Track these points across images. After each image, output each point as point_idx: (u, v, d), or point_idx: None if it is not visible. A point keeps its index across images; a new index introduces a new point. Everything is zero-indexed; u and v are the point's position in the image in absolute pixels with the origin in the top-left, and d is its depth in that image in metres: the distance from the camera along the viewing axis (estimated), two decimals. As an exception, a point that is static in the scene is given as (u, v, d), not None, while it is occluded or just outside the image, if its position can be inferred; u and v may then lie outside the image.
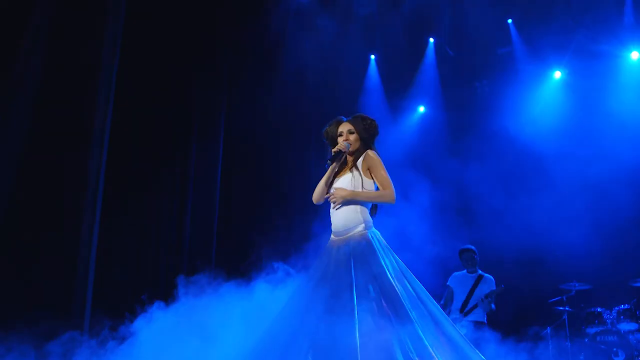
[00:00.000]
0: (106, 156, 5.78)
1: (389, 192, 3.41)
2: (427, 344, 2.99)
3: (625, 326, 6.22)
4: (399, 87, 8.89)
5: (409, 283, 3.30)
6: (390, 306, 3.12)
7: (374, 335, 3.00)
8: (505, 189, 7.83)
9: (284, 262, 4.02)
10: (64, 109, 5.50)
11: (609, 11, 7.79)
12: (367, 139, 3.57)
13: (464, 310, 6.01)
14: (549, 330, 6.61)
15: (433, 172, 8.31)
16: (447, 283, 6.40)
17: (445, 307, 6.24)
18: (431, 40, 8.64)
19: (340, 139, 3.54)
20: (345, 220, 3.41)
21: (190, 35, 7.23)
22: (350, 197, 3.40)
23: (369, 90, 8.82)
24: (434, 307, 3.27)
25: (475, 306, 5.96)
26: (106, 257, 6.05)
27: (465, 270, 6.37)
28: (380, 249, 3.34)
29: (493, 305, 6.01)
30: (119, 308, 4.34)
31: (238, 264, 7.07)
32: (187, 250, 6.95)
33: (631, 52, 7.99)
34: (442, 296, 6.38)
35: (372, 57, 8.87)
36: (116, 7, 6.02)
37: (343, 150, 3.47)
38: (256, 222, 7.51)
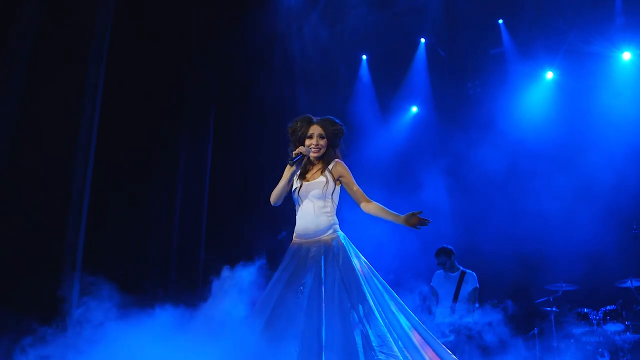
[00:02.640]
0: (94, 156, 5.81)
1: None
2: (391, 340, 3.04)
3: (611, 327, 6.19)
4: (391, 87, 8.90)
5: (377, 282, 3.37)
6: (358, 304, 3.16)
7: (340, 332, 3.05)
8: (496, 189, 7.85)
9: (274, 260, 4.05)
10: (52, 107, 5.53)
11: (600, 12, 7.78)
12: (335, 143, 3.61)
13: (452, 317, 6.01)
14: (536, 330, 6.63)
15: (425, 171, 8.34)
16: (431, 284, 6.41)
17: (431, 309, 6.24)
18: (422, 40, 8.64)
19: (308, 142, 3.53)
20: (317, 223, 3.44)
21: (182, 33, 7.27)
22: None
23: (360, 91, 8.84)
24: (401, 306, 3.32)
25: (463, 315, 5.97)
26: (94, 256, 6.10)
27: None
28: (350, 250, 3.40)
29: (477, 304, 6.02)
30: (107, 306, 4.36)
31: (227, 263, 7.16)
32: (175, 248, 7.00)
33: (623, 52, 7.98)
34: (427, 296, 6.39)
35: (364, 57, 8.89)
36: (105, 6, 6.06)
37: (304, 154, 3.47)
38: (246, 220, 7.55)
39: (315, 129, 3.56)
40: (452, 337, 5.86)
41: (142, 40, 6.73)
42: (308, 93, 8.19)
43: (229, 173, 7.86)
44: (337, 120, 3.63)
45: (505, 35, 8.27)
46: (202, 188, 7.46)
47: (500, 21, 8.28)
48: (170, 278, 7.02)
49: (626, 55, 7.98)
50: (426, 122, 8.92)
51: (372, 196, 8.22)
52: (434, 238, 7.37)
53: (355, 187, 3.58)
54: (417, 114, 9.14)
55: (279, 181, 3.58)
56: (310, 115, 3.63)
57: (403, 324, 3.21)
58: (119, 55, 6.27)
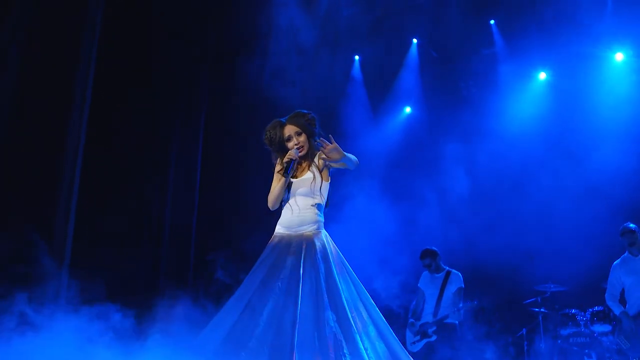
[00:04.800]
0: (82, 159, 5.81)
1: (356, 159, 3.49)
2: (359, 343, 3.04)
3: (598, 328, 6.19)
4: (384, 88, 8.90)
5: (352, 283, 3.36)
6: (332, 305, 3.15)
7: (312, 332, 3.04)
8: (486, 190, 7.84)
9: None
10: (41, 104, 5.53)
11: (592, 12, 7.76)
12: (312, 133, 3.53)
13: (437, 318, 6.01)
14: (524, 331, 6.63)
15: (416, 172, 8.34)
16: (419, 285, 6.41)
17: (417, 309, 6.24)
18: (414, 40, 8.64)
19: (289, 144, 3.48)
20: (302, 218, 3.41)
21: (172, 31, 7.29)
22: (341, 155, 3.32)
23: (353, 91, 8.85)
24: (372, 307, 3.32)
25: (446, 316, 5.97)
26: (83, 253, 6.13)
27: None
28: (330, 249, 3.38)
29: (462, 312, 6.00)
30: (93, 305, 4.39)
31: (216, 261, 7.19)
32: (166, 243, 7.04)
33: (615, 53, 7.97)
34: (415, 297, 6.39)
35: (357, 57, 8.90)
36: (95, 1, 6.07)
37: (294, 159, 3.41)
38: (236, 218, 7.58)
39: (290, 129, 3.50)
40: (434, 338, 5.87)
41: (133, 38, 6.74)
42: (300, 93, 8.19)
43: (219, 171, 7.89)
44: (304, 111, 3.57)
45: (497, 36, 8.26)
46: (192, 185, 7.50)
47: (492, 21, 8.27)
48: (160, 276, 7.05)
49: (619, 56, 7.97)
50: (420, 123, 8.91)
51: (364, 195, 8.23)
52: (424, 238, 7.39)
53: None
54: (410, 115, 9.13)
55: (271, 183, 3.53)
56: (278, 119, 3.57)
57: (371, 327, 3.20)
58: (109, 53, 6.28)
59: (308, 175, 3.48)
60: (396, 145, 8.81)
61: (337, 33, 8.27)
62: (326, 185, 3.51)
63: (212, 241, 7.41)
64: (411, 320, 6.21)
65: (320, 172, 3.48)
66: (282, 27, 8.01)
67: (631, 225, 5.85)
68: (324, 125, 8.78)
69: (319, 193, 3.46)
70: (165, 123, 7.27)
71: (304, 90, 8.20)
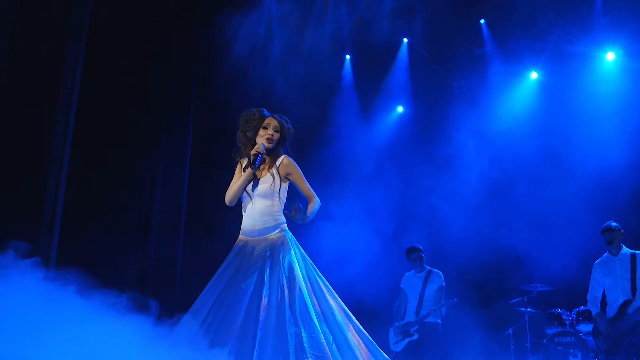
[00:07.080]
0: (68, 164, 5.83)
1: (317, 200, 3.56)
2: (324, 343, 3.05)
3: (584, 328, 6.22)
4: (376, 88, 8.91)
5: (322, 284, 3.38)
6: (296, 306, 3.16)
7: (274, 333, 3.06)
8: (474, 190, 7.85)
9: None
10: (26, 101, 5.55)
11: (583, 12, 7.75)
12: (284, 142, 3.58)
13: (419, 317, 6.03)
14: (510, 331, 6.64)
15: (408, 171, 8.36)
16: (401, 286, 6.43)
17: (400, 310, 6.26)
18: (405, 40, 8.64)
19: (263, 132, 3.49)
20: (265, 222, 3.41)
21: (163, 30, 7.32)
22: (304, 220, 3.44)
23: (344, 91, 8.87)
24: (342, 308, 3.33)
25: (428, 315, 5.98)
26: (71, 252, 6.17)
27: (414, 270, 6.40)
28: (296, 251, 3.40)
29: (444, 311, 6.00)
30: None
31: (205, 259, 7.22)
32: (154, 241, 7.08)
33: (606, 53, 7.95)
34: (397, 299, 6.41)
35: (348, 57, 8.91)
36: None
37: (262, 153, 3.43)
38: (225, 219, 7.60)
39: (273, 121, 3.53)
40: (416, 337, 5.89)
41: (123, 38, 6.77)
42: (292, 94, 8.19)
43: (209, 170, 7.92)
44: (289, 121, 3.63)
45: (487, 36, 8.25)
46: (181, 185, 7.54)
47: (482, 21, 8.27)
48: (148, 276, 7.08)
49: (610, 56, 7.95)
50: (412, 123, 8.92)
51: (356, 196, 8.21)
52: (412, 237, 7.41)
53: (305, 185, 3.55)
54: (403, 114, 9.14)
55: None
56: (264, 110, 3.60)
57: (342, 327, 3.21)
58: (98, 53, 6.30)
59: (267, 177, 3.46)
60: (389, 144, 8.83)
61: (328, 33, 8.28)
62: (285, 188, 3.53)
63: (201, 241, 7.45)
64: (395, 321, 6.23)
65: (281, 177, 3.49)
66: (273, 27, 8.03)
67: (613, 223, 5.83)
68: (317, 124, 8.81)
69: (277, 195, 3.46)
70: (154, 122, 7.30)
71: (295, 90, 8.20)
